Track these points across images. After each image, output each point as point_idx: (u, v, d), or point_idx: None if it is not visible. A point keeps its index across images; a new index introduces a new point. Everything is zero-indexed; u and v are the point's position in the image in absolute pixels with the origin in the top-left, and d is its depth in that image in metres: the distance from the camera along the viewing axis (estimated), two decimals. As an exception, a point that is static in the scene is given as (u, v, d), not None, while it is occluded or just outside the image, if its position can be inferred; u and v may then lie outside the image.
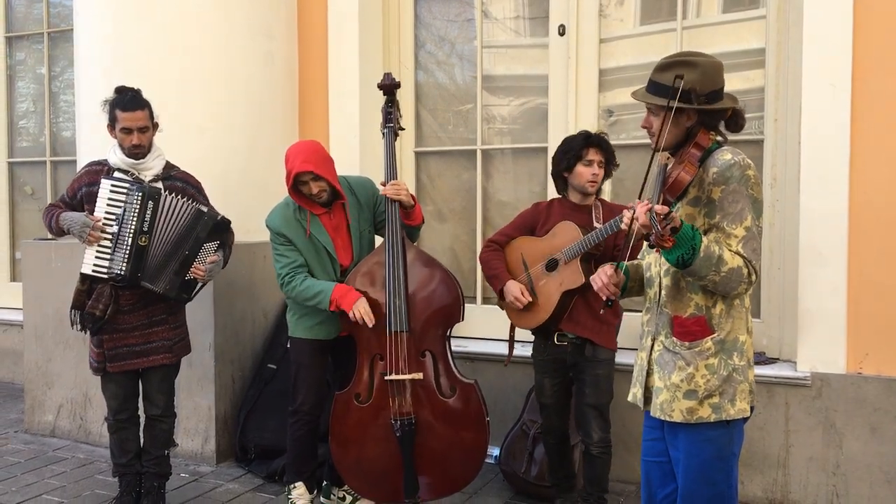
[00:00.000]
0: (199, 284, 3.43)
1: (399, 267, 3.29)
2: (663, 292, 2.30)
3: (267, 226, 3.46)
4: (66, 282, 3.45)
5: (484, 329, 4.48)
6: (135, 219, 3.25)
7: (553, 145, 4.27)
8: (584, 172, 3.26)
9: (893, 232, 3.47)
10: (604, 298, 2.33)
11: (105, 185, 3.26)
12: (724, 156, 2.19)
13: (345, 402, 3.35)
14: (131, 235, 3.25)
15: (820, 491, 3.61)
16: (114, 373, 3.38)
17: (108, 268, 3.25)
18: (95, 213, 3.25)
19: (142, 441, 3.56)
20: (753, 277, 2.18)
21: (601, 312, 3.10)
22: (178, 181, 3.44)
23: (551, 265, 3.29)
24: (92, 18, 4.35)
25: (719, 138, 2.29)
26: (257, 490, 3.90)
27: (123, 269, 3.25)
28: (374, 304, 3.30)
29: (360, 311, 3.23)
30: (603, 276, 2.32)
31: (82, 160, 4.25)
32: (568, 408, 3.44)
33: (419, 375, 3.28)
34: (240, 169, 4.31)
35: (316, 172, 3.27)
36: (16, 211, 6.25)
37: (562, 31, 4.25)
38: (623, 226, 2.26)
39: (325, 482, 3.69)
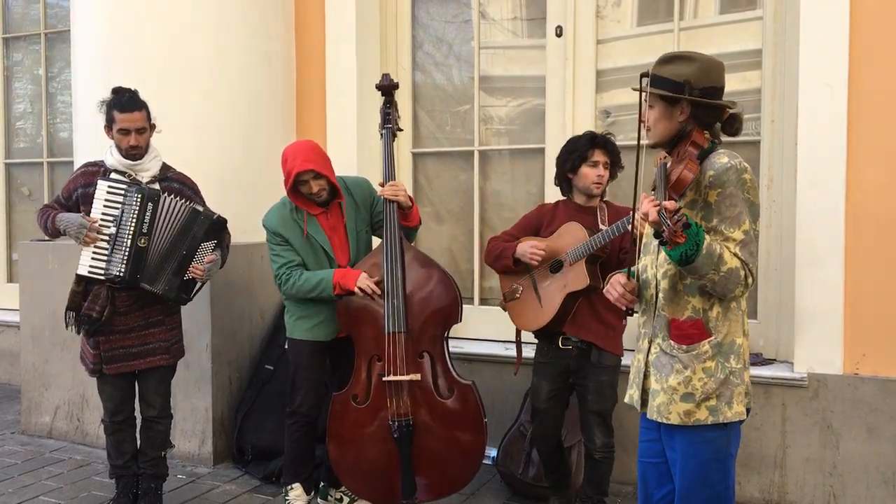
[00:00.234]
0: (198, 284, 3.43)
1: (397, 268, 3.29)
2: (660, 295, 2.30)
3: (263, 226, 3.46)
4: (63, 283, 3.44)
5: (481, 330, 4.48)
6: (133, 220, 3.24)
7: (550, 146, 4.29)
8: (589, 174, 3.22)
9: (890, 232, 3.47)
10: (623, 309, 2.32)
11: (102, 186, 3.26)
12: (721, 159, 2.19)
13: (342, 403, 3.35)
14: (130, 237, 3.24)
15: (817, 492, 3.61)
16: (110, 375, 3.37)
17: (106, 269, 3.24)
18: (92, 215, 3.24)
19: (138, 442, 3.56)
20: (750, 281, 2.18)
21: (623, 323, 3.15)
22: (175, 182, 3.43)
23: (556, 266, 3.24)
24: (89, 19, 4.35)
25: (715, 139, 2.29)
26: (254, 491, 3.90)
27: (122, 270, 3.24)
28: (372, 306, 3.30)
29: (365, 284, 3.24)
30: (617, 287, 2.29)
31: (79, 161, 4.24)
32: (562, 416, 3.39)
33: (417, 376, 3.28)
34: (237, 169, 4.31)
35: (317, 171, 3.28)
36: (12, 212, 6.24)
37: (559, 32, 4.25)
38: (638, 227, 2.27)
39: (322, 483, 3.69)
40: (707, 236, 2.10)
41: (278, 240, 3.40)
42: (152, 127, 3.38)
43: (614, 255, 3.18)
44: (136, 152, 3.31)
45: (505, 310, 3.45)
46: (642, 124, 2.25)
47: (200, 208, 3.37)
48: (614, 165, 3.29)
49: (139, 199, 3.24)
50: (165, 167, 3.44)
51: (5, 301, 6.00)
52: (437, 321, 3.33)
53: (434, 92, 4.74)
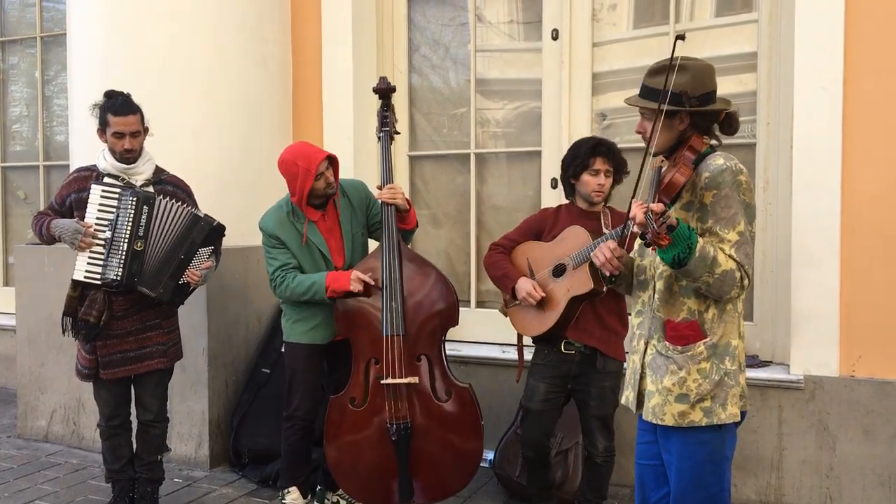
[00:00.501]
0: (192, 288, 3.42)
1: (395, 270, 3.29)
2: (656, 296, 2.30)
3: (260, 228, 3.46)
4: (59, 286, 3.44)
5: (478, 333, 4.48)
6: (129, 224, 3.23)
7: (547, 149, 4.30)
8: (590, 182, 3.19)
9: (885, 234, 3.48)
10: (607, 274, 2.31)
11: (95, 190, 3.24)
12: (717, 161, 2.20)
13: (340, 406, 3.35)
14: (126, 240, 3.23)
15: (813, 493, 3.61)
16: (107, 379, 3.36)
17: (102, 274, 3.23)
18: (86, 220, 3.22)
19: (134, 446, 3.55)
20: (746, 282, 2.18)
21: (603, 289, 3.04)
22: (169, 185, 3.42)
23: (559, 271, 3.20)
24: (85, 22, 4.34)
25: (713, 142, 2.30)
26: (251, 495, 3.89)
27: (119, 274, 3.23)
28: (370, 309, 3.30)
29: (358, 281, 3.24)
30: (606, 251, 2.27)
31: (75, 164, 4.24)
32: (555, 420, 3.37)
33: (414, 379, 3.28)
34: (233, 172, 4.31)
35: (330, 156, 3.32)
36: (8, 216, 6.23)
37: (555, 35, 4.26)
38: (634, 227, 2.28)
39: (319, 487, 3.68)
40: (701, 239, 2.10)
41: (274, 242, 3.40)
42: (146, 130, 3.37)
43: None
44: (130, 156, 3.30)
45: (505, 315, 3.42)
46: (654, 130, 2.22)
47: (201, 214, 3.37)
48: (618, 172, 3.24)
49: (134, 203, 3.23)
50: (159, 170, 3.43)
51: (1, 304, 5.99)
52: (435, 324, 3.33)
53: (430, 95, 4.74)
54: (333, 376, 3.58)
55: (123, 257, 3.23)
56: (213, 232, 3.38)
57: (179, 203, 3.32)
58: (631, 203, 2.18)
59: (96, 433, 3.76)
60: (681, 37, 2.12)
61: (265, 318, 4.49)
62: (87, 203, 3.24)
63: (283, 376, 3.65)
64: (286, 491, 3.54)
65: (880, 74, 3.47)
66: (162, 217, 3.28)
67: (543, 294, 3.19)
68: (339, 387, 3.42)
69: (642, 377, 2.35)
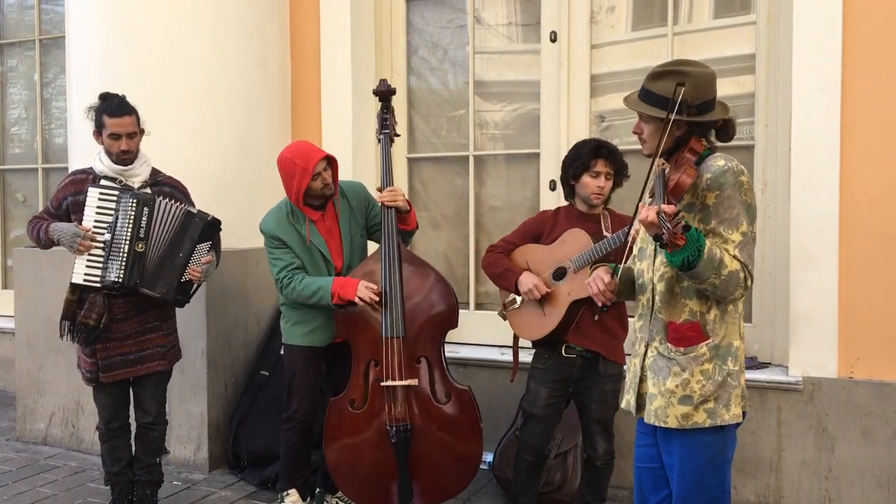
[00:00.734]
0: (195, 286, 3.42)
1: (395, 272, 3.29)
2: (657, 298, 2.31)
3: (261, 230, 3.45)
4: (59, 289, 3.43)
5: (476, 335, 4.48)
6: (130, 226, 3.23)
7: (545, 151, 4.30)
8: (590, 184, 3.17)
9: (884, 234, 3.49)
10: (599, 304, 2.34)
11: (93, 193, 3.24)
12: (718, 162, 2.20)
13: (339, 408, 3.35)
14: (127, 242, 3.22)
15: (812, 495, 3.61)
16: (106, 382, 3.36)
17: (102, 276, 3.23)
18: (84, 223, 3.21)
19: (133, 449, 3.55)
20: (749, 282, 2.19)
21: (595, 318, 3.11)
22: (166, 186, 3.42)
23: (559, 274, 3.18)
24: (84, 24, 4.34)
25: (711, 144, 2.31)
26: (250, 497, 3.89)
27: (120, 276, 3.22)
28: (370, 311, 3.30)
29: (365, 294, 3.23)
30: (600, 283, 2.33)
31: (74, 167, 4.23)
32: (555, 424, 3.36)
33: (414, 382, 3.28)
34: (232, 173, 4.31)
35: (329, 156, 3.31)
36: (7, 218, 6.23)
37: (553, 37, 4.26)
38: (633, 231, 2.28)
39: (318, 489, 3.68)
40: (707, 241, 2.11)
41: (276, 243, 3.40)
42: (142, 131, 3.36)
43: (619, 262, 3.15)
44: (127, 157, 3.29)
45: (505, 318, 3.40)
46: (661, 139, 2.22)
47: (194, 210, 3.37)
48: (619, 175, 3.23)
49: (134, 205, 3.23)
50: (155, 171, 3.43)
51: (0, 307, 5.99)
52: (435, 326, 3.34)
53: (429, 97, 4.75)
54: (332, 379, 3.58)
55: (124, 259, 3.23)
56: (208, 227, 3.38)
57: (174, 202, 3.32)
58: (637, 207, 2.18)
59: (95, 436, 3.76)
60: (681, 84, 2.13)
61: (264, 321, 4.49)
62: (84, 206, 3.23)
63: (282, 379, 3.64)
64: (285, 493, 3.53)
65: (878, 75, 3.47)
66: (161, 217, 3.28)
67: (547, 290, 3.17)
68: (339, 389, 3.42)
69: (642, 380, 2.35)
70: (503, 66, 4.59)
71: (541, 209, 4.04)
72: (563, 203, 3.41)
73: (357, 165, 4.54)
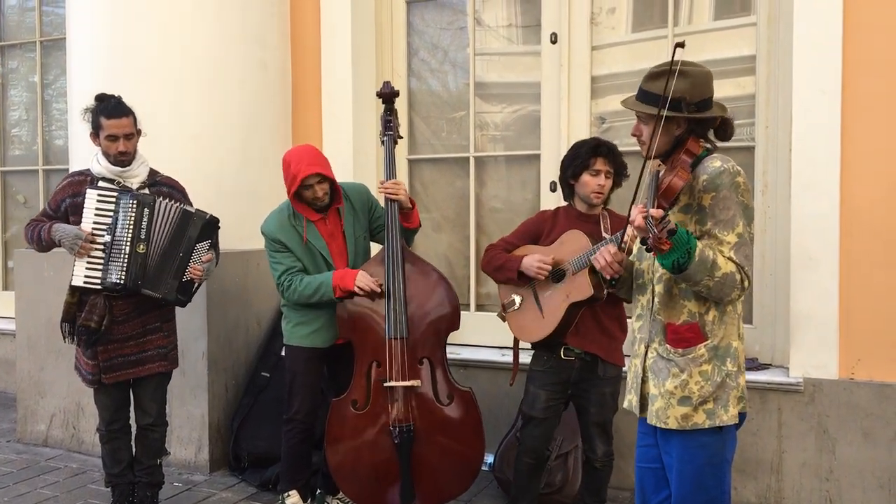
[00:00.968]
0: (196, 285, 3.42)
1: (398, 273, 3.30)
2: (656, 299, 2.31)
3: (262, 233, 3.46)
4: (59, 290, 3.43)
5: (477, 336, 4.48)
6: (130, 227, 3.23)
7: (546, 152, 4.30)
8: (590, 182, 3.15)
9: (884, 236, 3.49)
10: (607, 277, 2.32)
11: (91, 195, 3.23)
12: (714, 163, 2.20)
13: (341, 409, 3.35)
14: (128, 244, 3.22)
15: (813, 496, 3.61)
16: (108, 383, 3.36)
17: (102, 278, 3.22)
18: (83, 225, 3.21)
19: (134, 450, 3.55)
20: (746, 284, 2.19)
21: (603, 295, 2.99)
22: (165, 187, 3.42)
23: (557, 276, 3.15)
24: (84, 27, 4.35)
25: (709, 145, 2.31)
26: (251, 499, 3.89)
27: (121, 277, 3.22)
28: (373, 311, 3.30)
29: (364, 283, 3.25)
30: (606, 255, 2.30)
31: (75, 168, 4.23)
32: (555, 427, 3.35)
33: (417, 382, 3.28)
34: (233, 177, 4.31)
35: (323, 174, 3.29)
36: (8, 220, 6.24)
37: (554, 38, 4.26)
38: (627, 237, 2.28)
39: (318, 490, 3.68)
40: (700, 243, 2.11)
41: (278, 246, 3.40)
42: (139, 132, 3.35)
43: None
44: (124, 158, 3.28)
45: (504, 320, 3.38)
46: (654, 136, 2.22)
47: (192, 209, 3.37)
48: (618, 174, 3.21)
49: (135, 206, 3.23)
50: (153, 172, 3.42)
51: (1, 309, 5.99)
52: (438, 327, 3.34)
53: (429, 98, 4.75)
54: (334, 380, 3.58)
55: (126, 261, 3.23)
56: (207, 226, 3.39)
57: (173, 202, 3.32)
58: (631, 207, 2.19)
59: (96, 437, 3.76)
60: (680, 44, 2.12)
61: (265, 322, 4.49)
62: (82, 208, 3.23)
63: (283, 380, 3.64)
64: (286, 494, 3.53)
65: (879, 77, 3.47)
66: (161, 218, 3.28)
67: (552, 264, 3.11)
68: (340, 391, 3.42)
69: (644, 381, 2.35)
70: (503, 68, 4.60)
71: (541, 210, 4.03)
72: (564, 204, 3.41)
73: (358, 168, 4.54)
